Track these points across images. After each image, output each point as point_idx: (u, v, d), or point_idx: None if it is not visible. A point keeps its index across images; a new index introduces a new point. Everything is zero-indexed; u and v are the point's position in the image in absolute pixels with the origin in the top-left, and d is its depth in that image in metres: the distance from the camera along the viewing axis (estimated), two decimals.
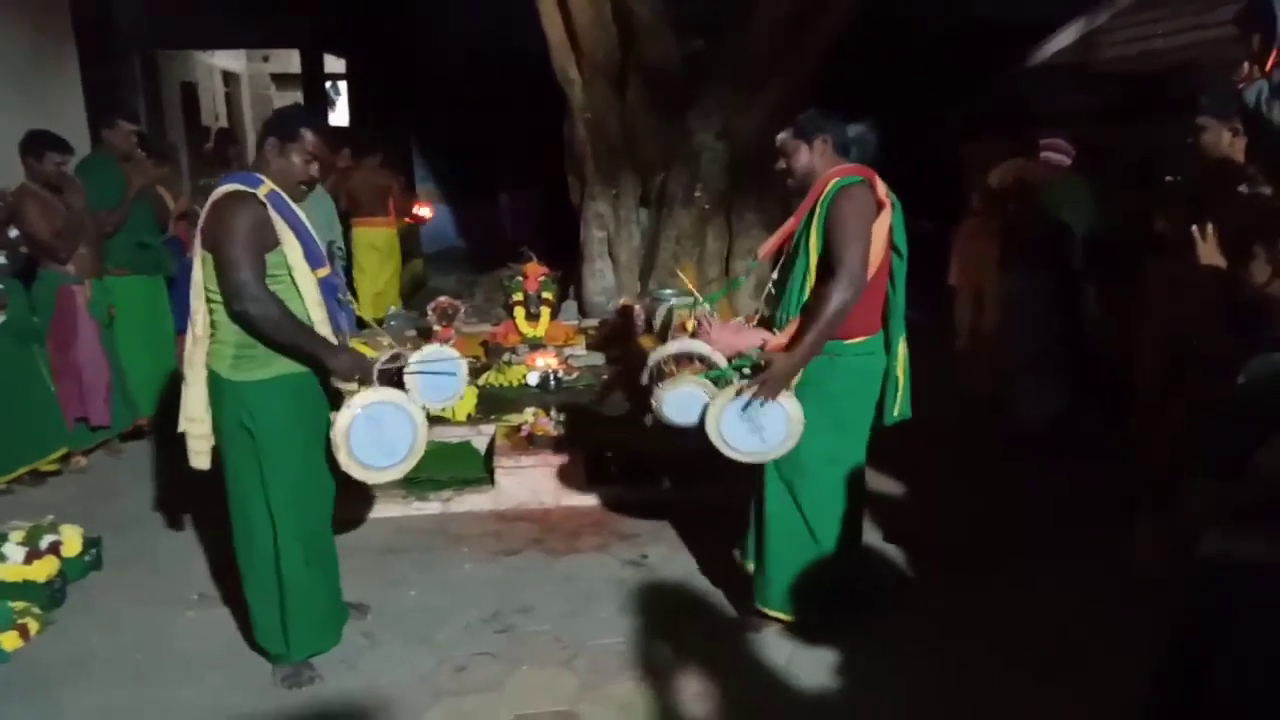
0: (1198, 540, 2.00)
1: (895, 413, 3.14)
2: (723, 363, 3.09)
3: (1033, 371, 4.99)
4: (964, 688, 3.01)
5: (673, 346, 3.15)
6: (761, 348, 3.06)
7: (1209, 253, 3.17)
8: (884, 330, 3.11)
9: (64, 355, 4.77)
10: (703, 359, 3.11)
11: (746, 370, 3.05)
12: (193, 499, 4.16)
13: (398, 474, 3.02)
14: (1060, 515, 4.27)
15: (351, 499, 4.10)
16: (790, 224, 3.14)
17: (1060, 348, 4.91)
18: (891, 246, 3.02)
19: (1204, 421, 2.95)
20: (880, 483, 4.38)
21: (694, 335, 3.19)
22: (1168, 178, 3.85)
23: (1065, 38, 7.10)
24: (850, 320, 2.94)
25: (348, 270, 6.74)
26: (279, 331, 2.78)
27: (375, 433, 2.89)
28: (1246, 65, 3.18)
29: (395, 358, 3.08)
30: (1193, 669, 2.03)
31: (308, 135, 2.91)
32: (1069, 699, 2.95)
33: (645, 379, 3.23)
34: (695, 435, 3.00)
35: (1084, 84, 6.90)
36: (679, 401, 3.00)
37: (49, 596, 3.49)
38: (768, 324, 3.23)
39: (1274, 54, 3.05)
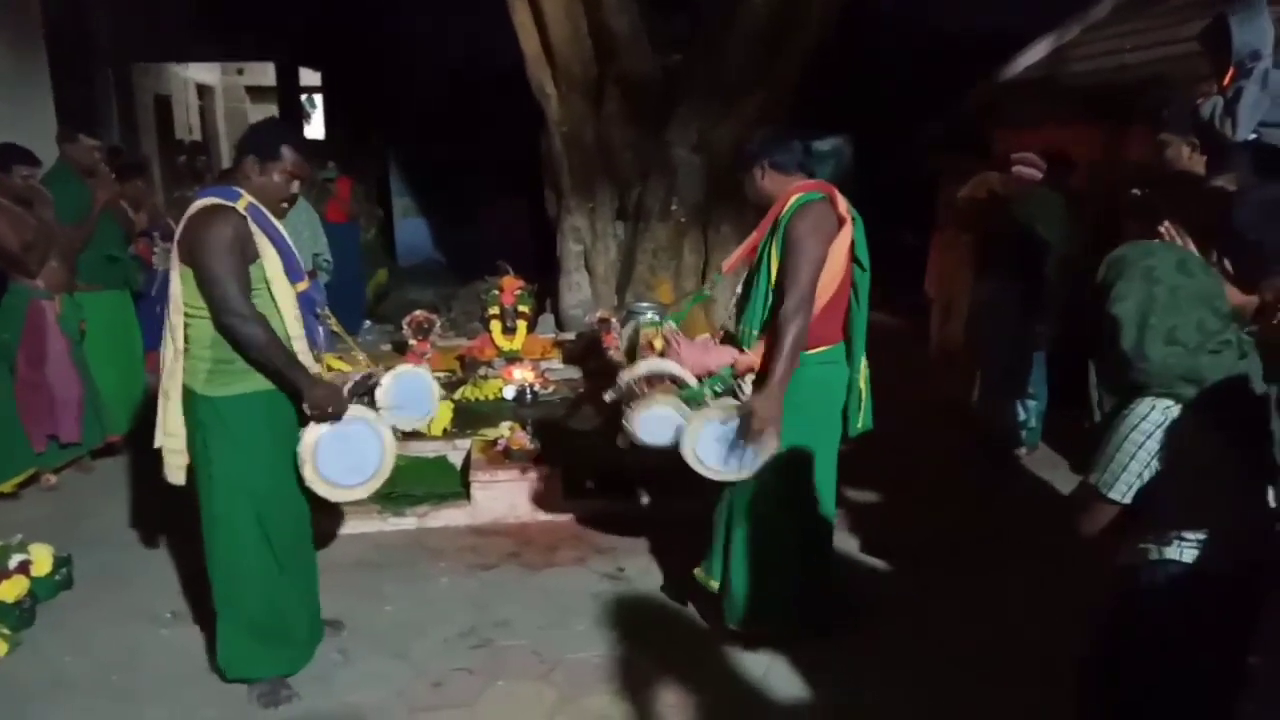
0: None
1: (859, 424, 3.19)
2: (694, 382, 3.10)
3: (1005, 381, 5.04)
4: (940, 697, 3.04)
5: (643, 367, 3.13)
6: (732, 367, 3.08)
7: None
8: (846, 341, 3.14)
9: (35, 371, 4.71)
10: (674, 379, 3.11)
11: (719, 389, 3.07)
12: (165, 516, 4.12)
13: (363, 493, 3.02)
14: (1034, 522, 4.31)
15: (327, 515, 4.08)
16: (753, 239, 3.17)
17: (1032, 358, 4.97)
18: (854, 260, 3.06)
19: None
20: (855, 492, 4.41)
21: (663, 354, 3.19)
22: (1134, 190, 3.90)
23: (1036, 52, 7.19)
24: (811, 330, 2.97)
25: (339, 284, 6.68)
26: (262, 352, 2.76)
27: (342, 450, 2.88)
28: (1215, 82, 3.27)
29: (368, 378, 3.07)
30: (1109, 667, 2.09)
31: (288, 153, 2.88)
32: (1046, 707, 2.96)
33: (610, 396, 3.21)
34: (668, 454, 3.01)
35: (1055, 96, 6.98)
36: (652, 423, 3.01)
37: (18, 617, 3.44)
38: (733, 339, 3.26)
39: (1231, 72, 3.14)
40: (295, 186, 2.95)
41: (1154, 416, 1.87)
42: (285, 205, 2.96)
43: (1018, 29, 7.38)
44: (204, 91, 17.19)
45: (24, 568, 3.58)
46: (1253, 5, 3.34)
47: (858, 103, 8.34)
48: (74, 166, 5.03)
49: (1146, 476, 1.88)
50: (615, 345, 5.66)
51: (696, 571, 3.44)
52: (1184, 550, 1.90)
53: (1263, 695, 2.02)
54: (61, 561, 3.76)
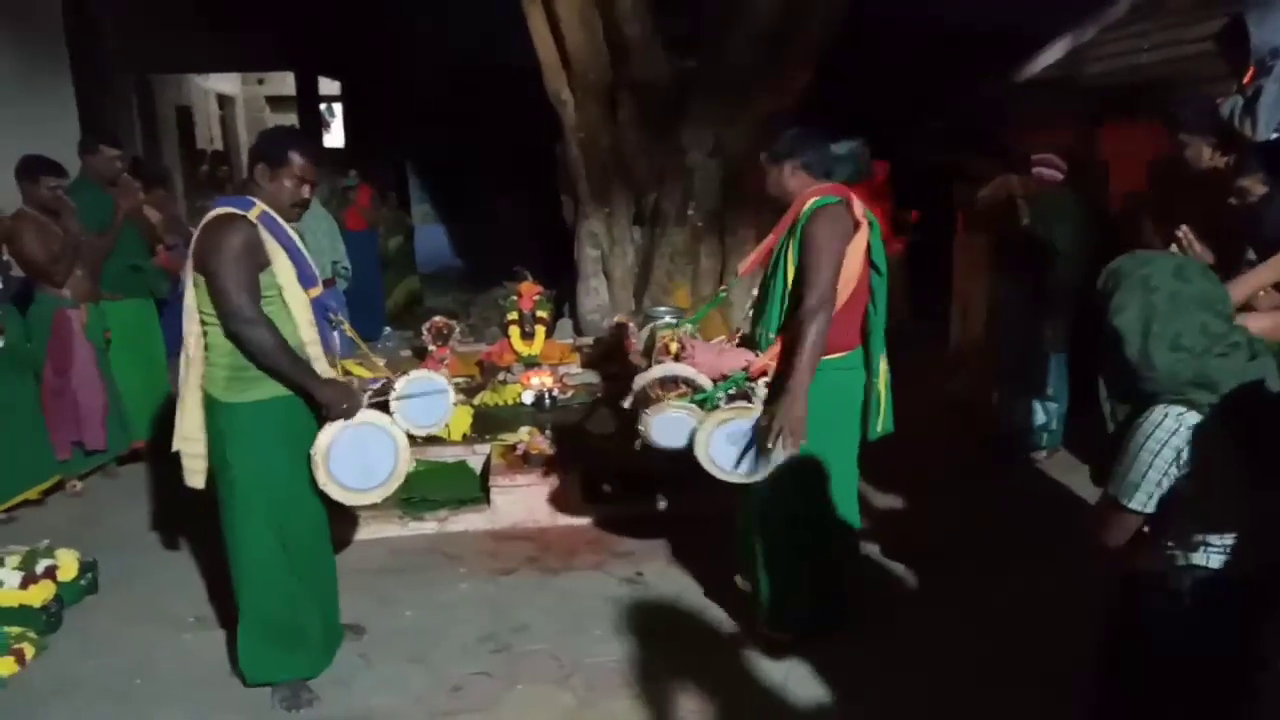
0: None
1: (879, 428, 3.18)
2: (708, 385, 3.10)
3: (1019, 382, 5.02)
4: (963, 702, 3.02)
5: (657, 371, 3.14)
6: (746, 369, 3.09)
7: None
8: (864, 346, 3.14)
9: (61, 379, 4.78)
10: (688, 382, 3.11)
11: (732, 392, 3.07)
12: (189, 521, 4.16)
13: (376, 497, 3.03)
14: (1045, 525, 4.28)
15: (346, 520, 4.12)
16: (769, 241, 3.18)
17: (1047, 359, 4.95)
18: (870, 264, 3.06)
19: None
20: (867, 494, 4.39)
21: (677, 358, 3.20)
22: (1154, 191, 3.89)
23: (1053, 52, 7.16)
24: (829, 336, 2.96)
25: (357, 290, 6.73)
26: (271, 358, 2.80)
27: (357, 454, 2.90)
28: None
29: (386, 384, 3.09)
30: (1116, 669, 2.09)
31: (295, 158, 2.91)
32: (1050, 709, 2.95)
33: (629, 403, 3.24)
34: (682, 456, 3.02)
35: (1072, 97, 6.94)
36: (666, 426, 3.02)
37: (45, 621, 3.48)
38: (749, 341, 3.26)
39: (1250, 71, 3.12)
40: (306, 190, 2.98)
41: (1168, 424, 1.86)
42: (298, 209, 2.99)
43: (1022, 29, 7.37)
44: (225, 102, 17.39)
45: (51, 573, 3.63)
46: (1270, 2, 3.31)
47: (863, 102, 8.33)
48: (96, 177, 5.09)
49: (1166, 484, 1.87)
50: (634, 349, 5.67)
51: (738, 578, 3.50)
52: (1210, 556, 1.90)
53: (1274, 698, 2.00)
54: (87, 566, 3.81)
